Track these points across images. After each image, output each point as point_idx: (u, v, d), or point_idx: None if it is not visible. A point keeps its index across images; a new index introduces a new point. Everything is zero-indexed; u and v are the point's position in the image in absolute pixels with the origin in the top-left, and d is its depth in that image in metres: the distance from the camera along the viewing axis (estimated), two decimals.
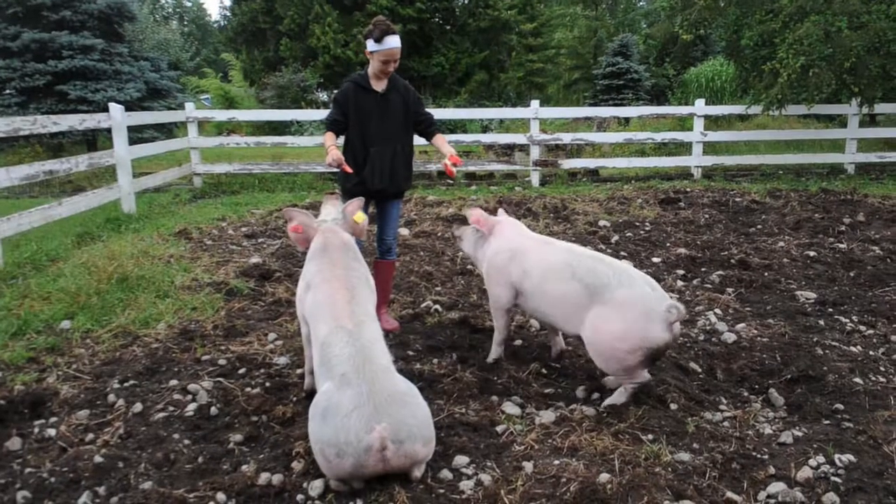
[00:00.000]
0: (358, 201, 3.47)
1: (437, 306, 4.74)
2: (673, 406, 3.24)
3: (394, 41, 3.92)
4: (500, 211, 4.08)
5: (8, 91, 13.12)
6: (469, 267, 5.55)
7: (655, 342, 3.06)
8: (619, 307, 3.11)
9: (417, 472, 2.60)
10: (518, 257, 3.59)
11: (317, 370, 2.80)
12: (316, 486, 2.57)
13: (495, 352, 3.83)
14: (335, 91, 4.24)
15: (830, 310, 4.63)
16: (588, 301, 3.21)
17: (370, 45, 3.94)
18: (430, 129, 4.32)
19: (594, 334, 3.18)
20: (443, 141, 4.27)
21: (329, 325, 2.81)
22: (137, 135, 13.41)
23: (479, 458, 2.81)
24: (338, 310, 2.86)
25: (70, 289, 4.81)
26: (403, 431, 2.49)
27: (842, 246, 6.26)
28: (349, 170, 3.96)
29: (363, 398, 2.48)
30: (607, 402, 3.29)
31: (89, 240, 6.70)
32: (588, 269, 3.26)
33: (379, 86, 4.09)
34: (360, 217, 3.39)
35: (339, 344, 2.70)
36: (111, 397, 3.37)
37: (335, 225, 3.32)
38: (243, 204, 8.93)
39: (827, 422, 3.12)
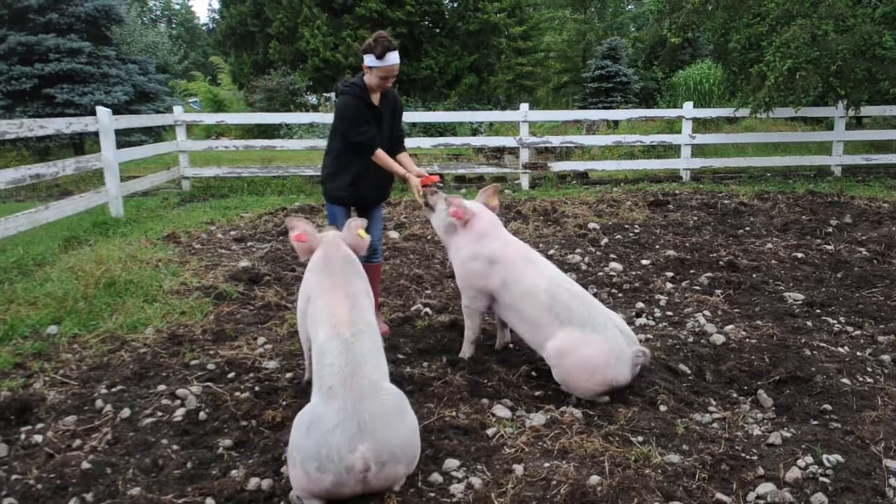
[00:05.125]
0: (361, 221, 3.37)
1: (427, 309, 4.74)
2: (662, 408, 3.25)
3: (394, 58, 3.88)
4: (478, 202, 3.97)
5: None
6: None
7: (620, 381, 3.30)
8: (592, 346, 3.27)
9: (396, 488, 2.57)
10: (498, 267, 3.62)
11: (314, 377, 2.74)
12: None
13: (468, 349, 3.89)
14: (339, 104, 4.05)
15: (818, 311, 4.67)
16: (558, 331, 3.36)
17: (370, 60, 3.88)
18: (398, 146, 4.31)
19: (563, 365, 3.33)
20: (409, 161, 4.27)
21: (327, 332, 2.75)
22: (125, 138, 13.35)
23: (470, 461, 2.80)
24: (337, 317, 2.79)
25: (57, 293, 4.77)
26: (386, 453, 2.44)
27: (829, 247, 6.30)
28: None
29: (347, 414, 2.42)
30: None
31: (76, 244, 6.65)
32: (564, 306, 3.38)
33: (375, 99, 4.09)
34: (364, 234, 3.34)
35: (332, 353, 2.63)
36: (99, 403, 3.34)
37: (338, 238, 3.25)
38: (232, 207, 8.89)
39: (815, 422, 3.14)
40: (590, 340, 3.27)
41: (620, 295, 5.04)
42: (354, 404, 2.45)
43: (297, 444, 2.46)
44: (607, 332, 3.31)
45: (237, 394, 3.41)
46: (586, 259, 5.99)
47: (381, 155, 4.05)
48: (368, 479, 2.41)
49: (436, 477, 2.67)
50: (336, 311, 2.82)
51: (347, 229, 3.30)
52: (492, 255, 3.65)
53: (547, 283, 3.47)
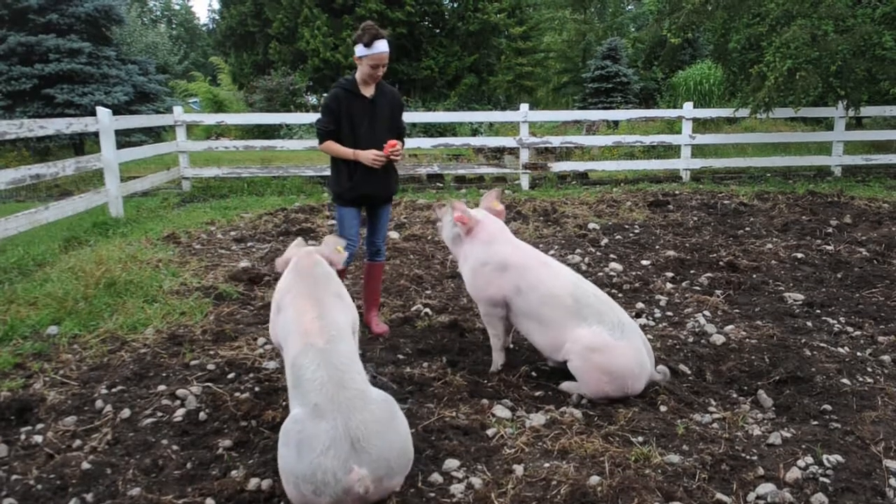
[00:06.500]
0: (338, 240, 3.34)
1: (427, 310, 4.74)
2: (662, 408, 3.25)
3: (382, 46, 3.92)
4: (482, 209, 3.94)
5: None
6: (459, 270, 5.55)
7: (634, 391, 3.33)
8: (621, 351, 3.25)
9: (395, 489, 2.56)
10: (512, 272, 3.54)
11: (290, 390, 2.65)
12: None
13: (499, 358, 3.75)
14: (324, 96, 4.20)
15: (818, 311, 4.67)
16: (584, 328, 3.31)
17: (359, 49, 3.95)
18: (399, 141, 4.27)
19: (588, 361, 3.28)
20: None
21: (298, 344, 2.65)
22: (125, 138, 13.36)
23: (470, 461, 2.80)
24: (306, 325, 2.70)
25: (57, 294, 4.77)
26: (382, 468, 2.40)
27: (829, 248, 6.30)
28: (383, 157, 4.01)
29: (339, 433, 2.35)
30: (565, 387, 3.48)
31: (77, 244, 6.65)
32: (593, 310, 3.34)
33: (367, 91, 4.09)
34: (342, 250, 3.28)
35: (311, 367, 2.53)
36: (99, 403, 3.34)
37: (312, 251, 3.19)
38: (232, 208, 8.89)
39: (815, 423, 3.14)
40: (620, 346, 3.25)
41: (620, 295, 5.04)
42: (345, 422, 2.37)
43: (289, 465, 2.39)
44: (635, 341, 3.31)
45: (237, 394, 3.41)
46: (586, 259, 5.99)
47: (329, 145, 4.11)
48: (367, 497, 2.38)
49: (436, 477, 2.67)
50: (304, 318, 2.74)
51: (325, 244, 3.24)
52: (503, 261, 3.56)
53: (572, 288, 3.41)
